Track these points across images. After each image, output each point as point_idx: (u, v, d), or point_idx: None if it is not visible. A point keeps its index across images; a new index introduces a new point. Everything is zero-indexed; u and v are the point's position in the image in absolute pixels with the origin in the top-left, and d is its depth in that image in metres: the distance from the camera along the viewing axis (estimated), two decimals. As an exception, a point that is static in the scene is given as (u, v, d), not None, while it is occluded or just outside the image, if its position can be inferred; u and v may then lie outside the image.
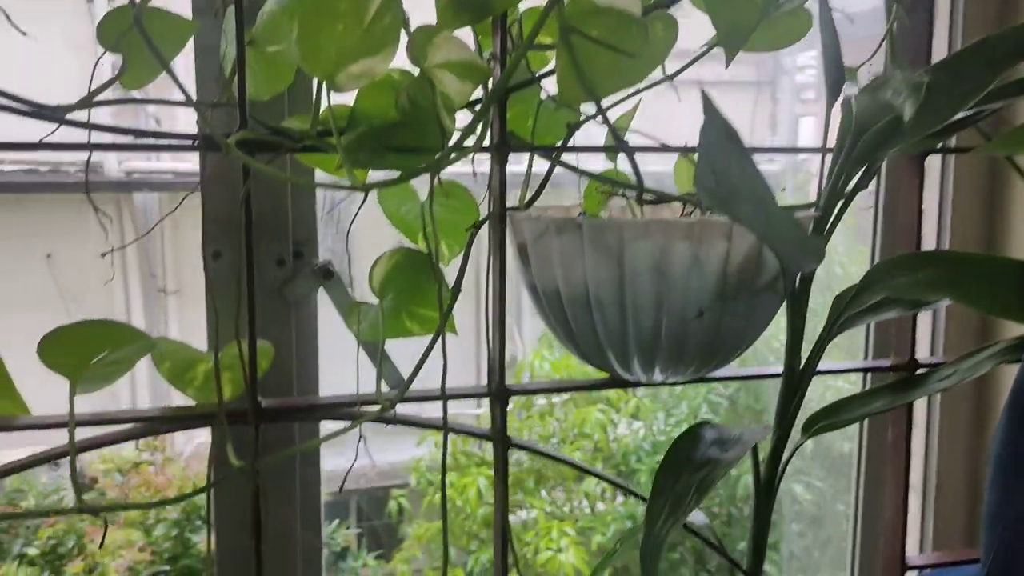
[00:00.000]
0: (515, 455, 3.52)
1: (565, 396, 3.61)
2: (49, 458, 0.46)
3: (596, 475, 0.54)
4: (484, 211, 0.54)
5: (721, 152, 0.38)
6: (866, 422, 0.73)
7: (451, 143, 0.44)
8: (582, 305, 0.48)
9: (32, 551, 2.99)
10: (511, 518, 3.34)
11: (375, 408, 0.49)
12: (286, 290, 0.58)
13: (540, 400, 3.66)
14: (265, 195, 0.58)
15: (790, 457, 0.60)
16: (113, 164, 4.36)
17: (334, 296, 0.59)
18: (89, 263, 4.41)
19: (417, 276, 0.51)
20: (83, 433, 0.47)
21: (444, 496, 0.50)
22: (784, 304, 0.53)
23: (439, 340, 0.49)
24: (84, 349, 0.44)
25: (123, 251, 4.46)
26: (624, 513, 3.11)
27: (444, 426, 0.49)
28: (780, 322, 0.57)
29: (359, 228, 0.58)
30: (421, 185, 0.52)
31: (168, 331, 4.58)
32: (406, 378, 0.52)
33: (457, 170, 0.52)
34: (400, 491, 3.92)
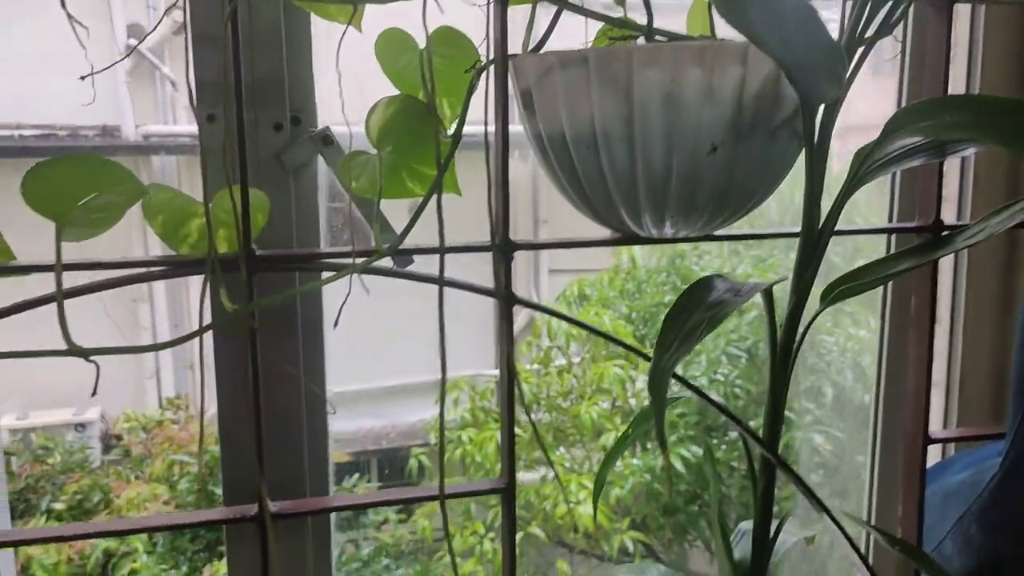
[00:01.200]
0: (535, 415, 3.51)
1: (585, 354, 3.60)
2: (39, 303, 0.44)
3: (611, 339, 0.52)
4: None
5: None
6: (888, 298, 0.70)
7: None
8: (589, 147, 0.46)
9: (59, 506, 3.05)
10: (530, 475, 3.35)
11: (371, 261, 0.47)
12: (284, 156, 0.57)
13: (559, 359, 3.65)
14: (262, 59, 0.56)
15: (808, 326, 0.58)
16: (131, 128, 4.36)
17: (333, 165, 0.57)
18: (111, 229, 4.44)
19: (417, 127, 0.49)
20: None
21: (443, 363, 0.48)
22: (803, 153, 0.50)
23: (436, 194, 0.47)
24: (70, 189, 0.43)
25: (143, 215, 4.48)
26: (642, 467, 3.10)
27: (440, 279, 0.47)
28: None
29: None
30: (420, 32, 0.50)
31: (189, 297, 4.62)
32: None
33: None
34: (420, 450, 3.94)
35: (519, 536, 3.21)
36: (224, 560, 3.00)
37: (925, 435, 0.56)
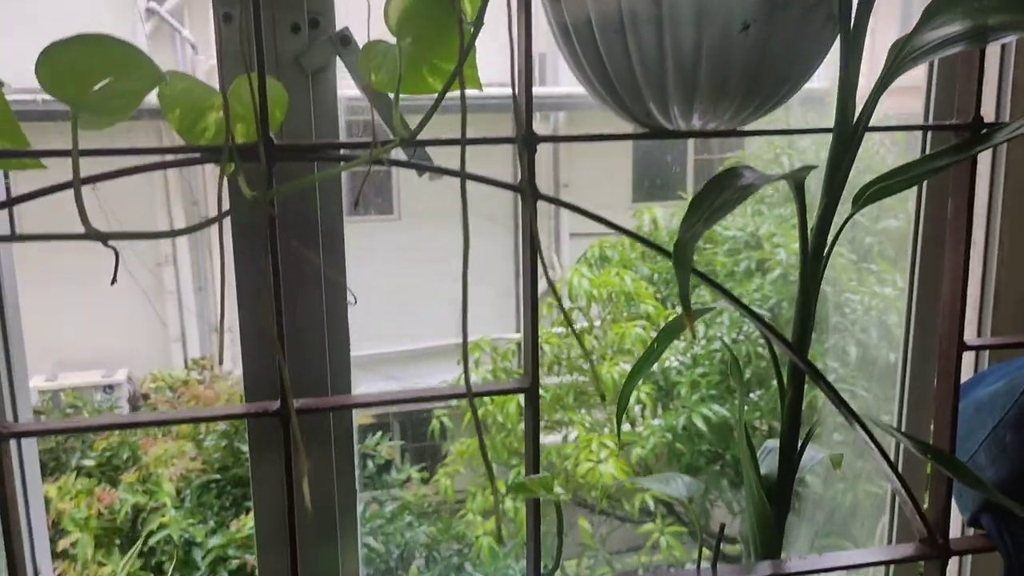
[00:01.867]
0: (557, 377, 3.52)
1: (606, 315, 3.59)
2: (57, 189, 0.44)
3: (627, 233, 0.50)
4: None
5: None
6: (923, 202, 0.68)
7: None
8: (615, 31, 0.44)
9: (88, 463, 3.11)
10: (552, 437, 3.36)
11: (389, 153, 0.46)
12: (303, 60, 0.56)
13: (581, 321, 3.64)
14: (277, -43, 0.55)
15: (840, 230, 0.56)
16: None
17: (351, 66, 0.55)
18: (133, 190, 4.48)
19: (438, 15, 0.48)
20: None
21: (466, 256, 0.47)
22: (838, 40, 0.48)
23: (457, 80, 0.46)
24: (86, 71, 0.42)
25: (166, 179, 4.51)
26: (664, 426, 3.10)
27: (462, 172, 0.46)
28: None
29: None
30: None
31: (213, 259, 4.65)
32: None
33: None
34: (441, 411, 3.97)
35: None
36: (250, 514, 3.04)
37: (960, 342, 0.55)
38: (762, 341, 3.17)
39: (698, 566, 0.56)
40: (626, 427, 3.49)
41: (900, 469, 0.68)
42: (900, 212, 3.15)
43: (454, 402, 3.75)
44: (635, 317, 3.49)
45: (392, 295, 4.88)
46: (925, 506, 0.59)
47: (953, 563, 0.82)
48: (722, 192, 0.42)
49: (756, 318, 0.53)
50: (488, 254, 4.82)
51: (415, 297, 4.99)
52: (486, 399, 3.38)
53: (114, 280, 0.43)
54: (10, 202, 0.44)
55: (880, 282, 2.97)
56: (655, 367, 3.35)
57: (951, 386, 0.55)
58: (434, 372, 4.48)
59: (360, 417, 3.86)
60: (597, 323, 3.63)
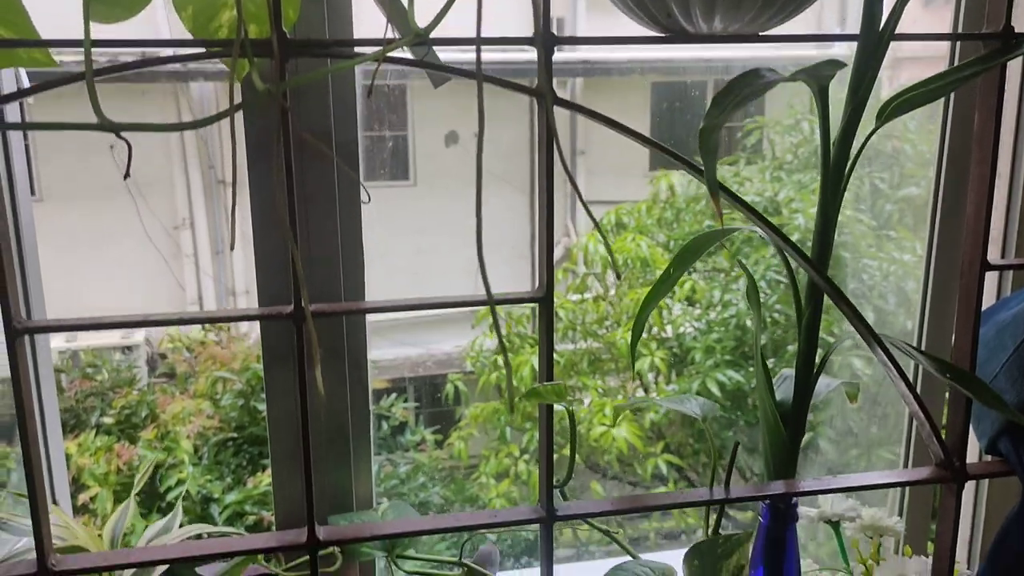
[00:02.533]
0: (570, 344, 3.52)
1: (621, 282, 3.58)
2: (69, 80, 0.44)
3: (645, 141, 0.49)
4: None
5: None
6: (950, 119, 0.67)
7: None
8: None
9: (108, 420, 3.16)
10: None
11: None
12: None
13: (596, 285, 3.63)
14: None
15: (862, 146, 0.55)
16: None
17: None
18: (151, 153, 4.50)
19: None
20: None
21: (480, 147, 0.46)
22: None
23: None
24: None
25: (183, 142, 4.52)
26: (678, 391, 3.10)
27: (478, 74, 0.45)
28: None
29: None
30: None
31: (229, 223, 4.68)
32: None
33: None
34: (456, 375, 3.99)
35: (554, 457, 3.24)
36: (267, 471, 3.08)
37: (983, 261, 0.54)
38: (779, 307, 3.15)
39: (711, 485, 0.56)
40: (640, 393, 3.50)
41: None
42: (921, 179, 3.10)
43: (468, 367, 3.74)
44: (650, 284, 3.47)
45: (406, 261, 4.89)
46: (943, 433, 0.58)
47: (969, 492, 0.81)
48: (743, 88, 0.41)
49: (776, 232, 0.52)
50: (503, 217, 4.81)
51: (430, 264, 5.00)
52: (499, 360, 3.39)
53: (127, 175, 0.43)
54: (20, 94, 0.43)
55: (899, 249, 2.94)
56: (669, 332, 3.35)
57: (972, 306, 0.54)
58: (448, 339, 4.49)
59: (375, 381, 3.89)
60: (613, 289, 3.63)
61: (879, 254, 2.92)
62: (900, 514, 0.84)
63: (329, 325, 0.62)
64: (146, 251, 4.55)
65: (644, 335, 3.38)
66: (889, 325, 2.80)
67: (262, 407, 3.04)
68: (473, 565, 0.60)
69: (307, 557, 0.47)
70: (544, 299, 0.50)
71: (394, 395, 3.39)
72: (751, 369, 3.35)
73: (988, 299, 0.72)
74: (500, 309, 3.42)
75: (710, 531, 0.59)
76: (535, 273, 5.41)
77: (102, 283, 4.43)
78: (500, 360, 3.52)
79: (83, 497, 2.82)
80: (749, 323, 3.11)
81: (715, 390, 2.97)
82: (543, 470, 0.52)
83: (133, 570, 0.60)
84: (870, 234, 3.06)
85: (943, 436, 0.57)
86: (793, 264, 0.56)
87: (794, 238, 3.25)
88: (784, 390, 0.63)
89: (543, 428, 0.50)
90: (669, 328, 3.39)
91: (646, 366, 3.28)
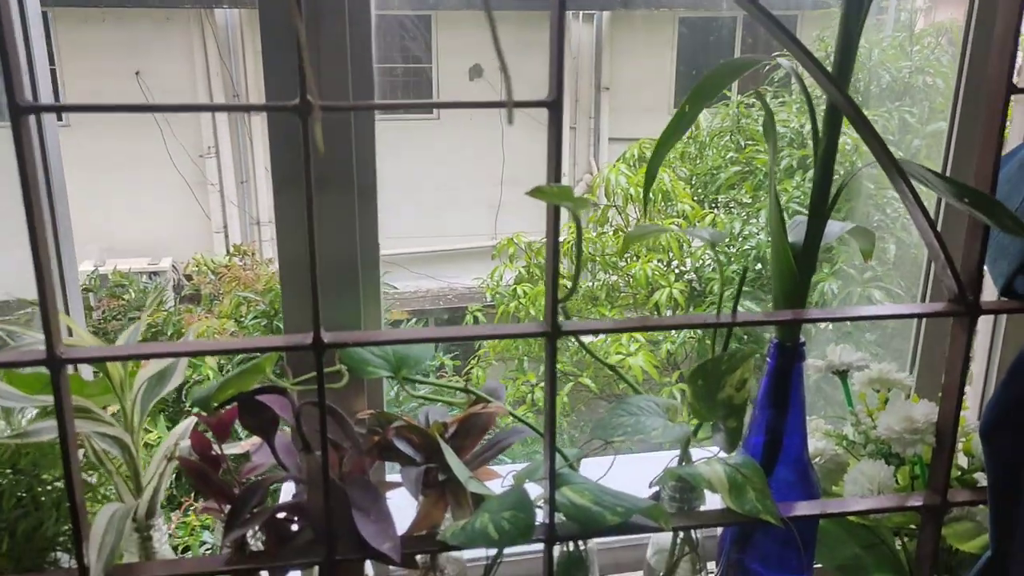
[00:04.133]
0: (591, 279, 3.51)
1: (642, 215, 3.55)
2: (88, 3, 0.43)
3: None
4: None
5: None
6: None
7: None
8: None
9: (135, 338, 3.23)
10: (584, 337, 3.39)
11: None
12: None
13: (616, 219, 3.61)
14: None
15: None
16: None
17: None
18: (176, 79, 4.50)
19: None
20: None
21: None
22: None
23: None
24: None
25: (207, 71, 4.51)
26: (697, 322, 3.10)
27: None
28: None
29: None
30: None
31: (254, 149, 4.69)
32: None
33: None
34: (476, 307, 4.01)
35: (569, 385, 3.26)
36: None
37: (1009, 83, 0.52)
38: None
39: (718, 310, 0.56)
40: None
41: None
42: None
43: (489, 299, 3.74)
44: (671, 217, 3.45)
45: (428, 195, 4.88)
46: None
47: (986, 331, 0.81)
48: None
49: (800, 47, 0.51)
50: (527, 150, 4.76)
51: (451, 199, 4.99)
52: (518, 290, 3.40)
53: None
54: None
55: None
56: (688, 264, 3.33)
57: (996, 129, 0.53)
58: (467, 273, 4.52)
59: (395, 313, 3.93)
60: (633, 221, 3.60)
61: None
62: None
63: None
64: (172, 179, 4.59)
65: (662, 267, 3.37)
66: (910, 259, 2.77)
67: (283, 327, 3.09)
68: (477, 391, 0.61)
69: (314, 373, 0.48)
70: (554, 103, 0.50)
71: (413, 319, 3.42)
72: (770, 305, 3.34)
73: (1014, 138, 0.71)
74: (520, 238, 3.36)
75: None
76: (558, 210, 5.37)
77: (131, 210, 4.48)
78: (519, 290, 3.53)
79: (110, 410, 2.90)
80: (767, 255, 3.08)
81: (734, 321, 2.96)
82: (549, 283, 0.52)
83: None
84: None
85: (958, 270, 0.56)
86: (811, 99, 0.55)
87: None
88: (797, 233, 0.63)
89: (550, 235, 0.50)
90: (689, 261, 3.37)
91: (664, 298, 3.28)
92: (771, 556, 0.64)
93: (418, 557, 0.60)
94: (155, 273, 4.20)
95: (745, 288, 3.07)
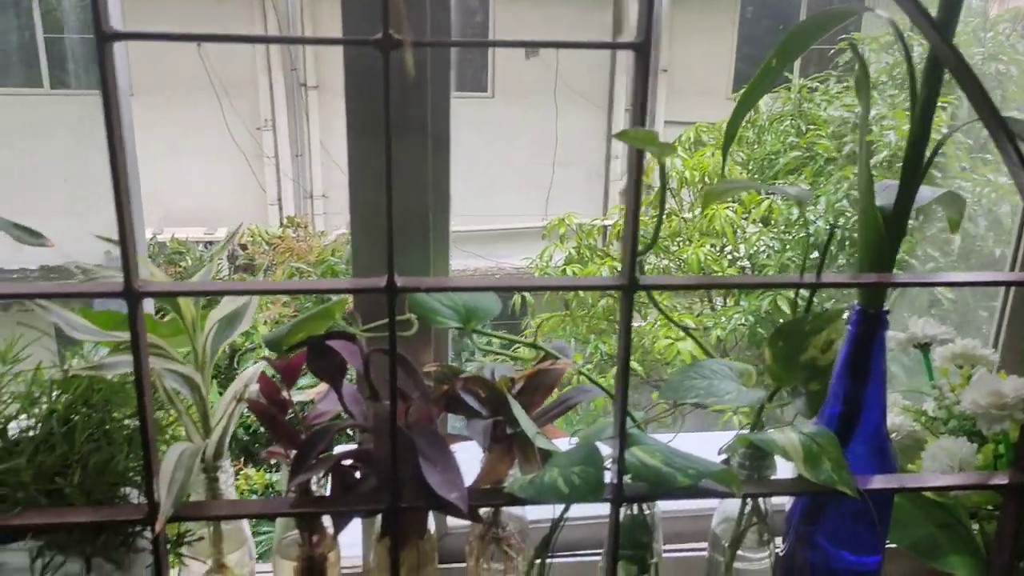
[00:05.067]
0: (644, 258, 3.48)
1: (696, 198, 3.51)
2: None
3: None
4: None
5: None
6: None
7: None
8: None
9: (191, 305, 3.30)
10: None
11: None
12: None
13: (669, 201, 3.56)
14: None
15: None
16: None
17: None
18: (236, 53, 4.56)
19: None
20: None
21: None
22: None
23: None
24: None
25: (267, 44, 4.56)
26: (747, 308, 3.04)
27: None
28: None
29: None
30: None
31: (309, 124, 4.74)
32: None
33: None
34: (523, 287, 4.00)
35: (614, 368, 3.25)
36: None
37: None
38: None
39: (802, 272, 0.54)
40: (707, 312, 3.45)
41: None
42: (1028, 102, 2.90)
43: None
44: (726, 202, 3.38)
45: (480, 174, 4.88)
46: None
47: None
48: None
49: None
50: (580, 131, 4.73)
51: (503, 178, 4.98)
52: (568, 271, 3.38)
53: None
54: None
55: (996, 170, 2.77)
56: (742, 250, 3.27)
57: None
58: (516, 253, 4.51)
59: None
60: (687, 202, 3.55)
61: (972, 175, 2.76)
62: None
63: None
64: (230, 151, 4.67)
65: (716, 252, 3.31)
66: (977, 251, 2.67)
67: (335, 296, 3.12)
68: (546, 347, 0.60)
69: (384, 320, 0.48)
70: (643, 45, 0.48)
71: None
72: (824, 292, 3.26)
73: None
74: (572, 219, 3.34)
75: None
76: (607, 197, 5.34)
77: (188, 181, 4.58)
78: (569, 271, 3.51)
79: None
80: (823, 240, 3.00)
81: (786, 308, 2.91)
82: (628, 235, 0.50)
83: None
84: (964, 156, 2.89)
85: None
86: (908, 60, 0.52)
87: (883, 155, 3.08)
88: (885, 198, 0.60)
89: (631, 183, 0.49)
90: (743, 247, 3.31)
91: (717, 284, 3.23)
92: (841, 531, 0.62)
93: (481, 511, 0.59)
94: (210, 242, 4.28)
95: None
